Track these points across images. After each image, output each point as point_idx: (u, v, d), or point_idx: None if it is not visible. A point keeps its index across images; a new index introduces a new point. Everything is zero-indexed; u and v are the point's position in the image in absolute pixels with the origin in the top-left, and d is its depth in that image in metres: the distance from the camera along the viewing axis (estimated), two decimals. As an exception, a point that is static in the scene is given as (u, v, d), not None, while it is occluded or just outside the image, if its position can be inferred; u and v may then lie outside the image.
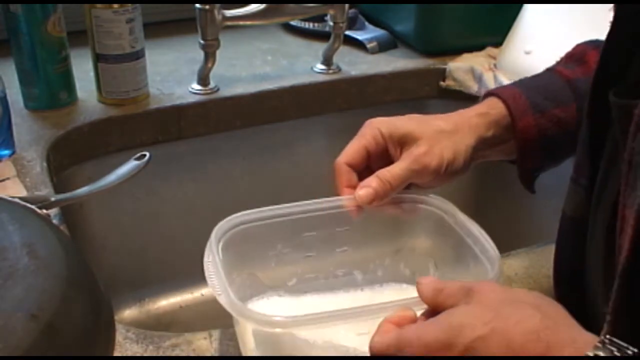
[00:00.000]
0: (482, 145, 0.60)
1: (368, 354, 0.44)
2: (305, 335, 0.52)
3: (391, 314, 0.45)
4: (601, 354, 0.37)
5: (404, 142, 0.58)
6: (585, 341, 0.38)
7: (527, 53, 0.95)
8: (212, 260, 0.52)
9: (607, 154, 0.46)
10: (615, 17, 0.46)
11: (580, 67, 0.62)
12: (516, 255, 0.69)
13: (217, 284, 0.49)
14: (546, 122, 0.59)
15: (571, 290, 0.51)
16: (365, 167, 0.59)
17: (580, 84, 0.60)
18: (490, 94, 0.63)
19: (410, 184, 0.59)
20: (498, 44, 1.03)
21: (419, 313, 0.45)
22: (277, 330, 0.48)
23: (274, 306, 0.60)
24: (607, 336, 0.38)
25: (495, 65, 1.00)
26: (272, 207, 0.58)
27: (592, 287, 0.48)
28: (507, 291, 0.43)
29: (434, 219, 0.59)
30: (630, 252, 0.39)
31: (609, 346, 0.37)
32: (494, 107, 0.61)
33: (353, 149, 0.59)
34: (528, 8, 0.99)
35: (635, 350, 0.37)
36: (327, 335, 0.52)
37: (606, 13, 0.84)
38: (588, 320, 0.41)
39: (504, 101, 0.60)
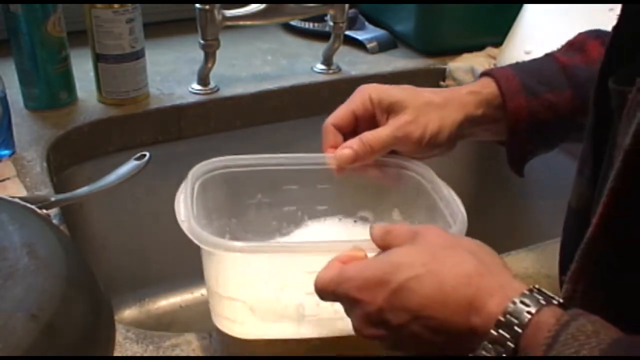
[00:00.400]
0: (470, 123, 0.61)
1: (312, 291, 0.46)
2: (257, 265, 0.52)
3: (342, 253, 0.47)
4: (527, 301, 0.39)
5: (391, 109, 0.59)
6: (514, 288, 0.40)
7: (527, 53, 0.95)
8: (184, 193, 0.54)
9: (610, 143, 0.46)
10: (624, 8, 0.46)
11: (580, 55, 0.62)
12: (516, 255, 0.68)
13: (182, 212, 0.52)
14: (538, 105, 0.59)
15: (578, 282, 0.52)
16: (352, 130, 0.60)
17: (578, 72, 0.60)
18: (484, 74, 0.63)
19: (393, 151, 0.60)
20: (498, 44, 1.03)
21: (370, 255, 0.47)
22: (228, 253, 0.50)
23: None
24: (536, 286, 0.40)
25: (495, 65, 1.00)
26: (254, 155, 0.59)
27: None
28: (450, 236, 0.45)
29: (413, 183, 0.60)
30: (598, 226, 0.40)
31: (536, 294, 0.39)
32: (486, 87, 0.61)
33: (341, 112, 0.61)
34: (528, 8, 0.99)
35: (561, 300, 0.39)
36: (277, 270, 0.53)
37: (606, 13, 0.84)
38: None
39: (497, 81, 0.61)
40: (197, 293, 1.04)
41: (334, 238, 0.61)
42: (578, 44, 0.63)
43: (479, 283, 0.40)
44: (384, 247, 0.46)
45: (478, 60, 1.03)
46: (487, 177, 1.08)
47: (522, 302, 0.39)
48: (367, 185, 0.62)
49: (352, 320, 0.45)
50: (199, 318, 1.02)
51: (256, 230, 0.62)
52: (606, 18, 0.64)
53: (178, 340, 0.56)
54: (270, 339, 0.54)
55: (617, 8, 0.47)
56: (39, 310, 0.43)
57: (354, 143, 0.58)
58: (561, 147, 0.93)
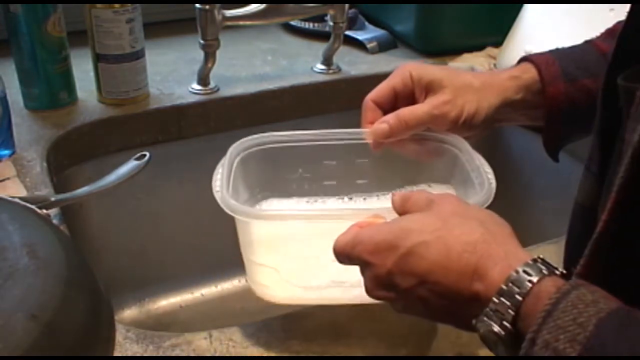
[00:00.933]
0: (509, 108, 0.61)
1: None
2: (285, 232, 0.55)
3: (363, 219, 0.48)
4: (529, 270, 0.39)
5: (430, 87, 0.60)
6: (517, 257, 0.41)
7: (527, 53, 0.95)
8: (222, 167, 0.56)
9: (618, 140, 0.46)
10: (633, 5, 0.46)
11: None
12: (516, 255, 0.68)
13: (218, 184, 0.54)
14: (576, 92, 0.60)
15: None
16: (391, 107, 0.61)
17: None
18: (524, 59, 0.63)
19: (428, 129, 0.61)
20: (498, 44, 1.03)
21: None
22: (256, 220, 0.52)
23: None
24: (540, 256, 0.40)
25: (495, 65, 1.00)
26: (292, 132, 0.61)
27: None
28: (462, 205, 0.46)
29: (450, 156, 0.61)
30: (606, 224, 0.40)
31: (539, 264, 0.40)
32: (526, 72, 0.61)
33: (381, 88, 0.61)
34: (528, 8, 0.99)
35: (564, 271, 0.40)
36: (304, 237, 0.55)
37: (606, 13, 0.84)
38: None
39: (537, 66, 0.61)
40: (197, 293, 1.04)
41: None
42: (615, 32, 0.63)
43: (484, 251, 0.41)
44: (402, 213, 0.47)
45: (478, 60, 1.03)
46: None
47: (525, 272, 0.39)
48: (405, 159, 0.63)
49: (365, 282, 0.46)
50: (199, 318, 1.02)
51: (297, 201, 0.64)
52: (606, 18, 0.64)
53: (178, 340, 0.56)
54: (299, 304, 0.56)
55: (618, 8, 0.47)
56: (39, 310, 0.43)
57: (390, 118, 0.59)
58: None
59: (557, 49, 0.64)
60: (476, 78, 0.61)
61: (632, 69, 0.44)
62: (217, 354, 0.55)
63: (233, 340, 0.56)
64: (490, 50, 1.06)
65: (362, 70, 1.03)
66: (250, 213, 0.52)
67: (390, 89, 0.61)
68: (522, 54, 0.95)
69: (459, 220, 0.43)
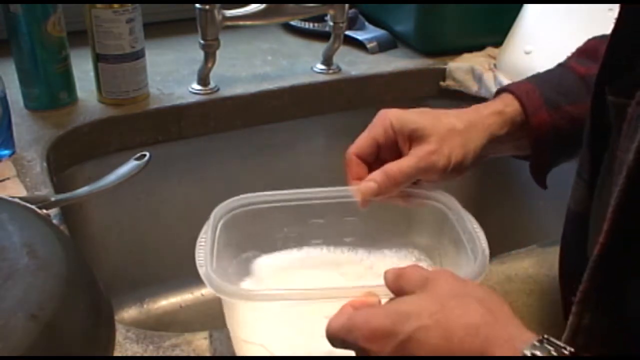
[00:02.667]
0: (495, 144, 0.60)
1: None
2: (273, 311, 0.53)
3: (355, 298, 0.46)
4: (538, 353, 0.38)
5: (414, 137, 0.58)
6: (523, 339, 0.39)
7: (527, 53, 0.95)
8: (205, 237, 0.54)
9: (608, 151, 0.46)
10: (620, 16, 0.45)
11: (594, 63, 0.61)
12: (516, 255, 0.69)
13: (202, 256, 0.52)
14: (560, 119, 0.59)
15: (575, 284, 0.51)
16: (375, 158, 0.60)
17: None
18: (504, 89, 0.62)
19: (417, 180, 0.59)
20: (498, 44, 1.03)
21: (384, 301, 0.46)
22: (241, 301, 0.50)
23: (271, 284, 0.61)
24: (545, 335, 0.39)
25: (495, 66, 1.00)
26: (279, 191, 0.59)
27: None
28: (458, 283, 0.44)
29: (439, 215, 0.60)
30: (604, 245, 0.40)
31: (546, 345, 0.38)
32: (509, 105, 0.61)
33: (363, 140, 0.59)
34: (528, 8, 0.99)
35: (572, 349, 0.38)
36: (294, 315, 0.53)
37: (606, 13, 0.84)
38: None
39: (518, 97, 0.60)
40: (197, 293, 1.04)
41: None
42: (590, 51, 0.63)
43: (487, 334, 0.39)
44: (396, 291, 0.45)
45: (478, 60, 1.03)
46: (487, 177, 1.08)
47: (533, 355, 0.38)
48: (393, 216, 0.62)
49: None
50: (199, 318, 1.02)
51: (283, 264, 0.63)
52: (606, 18, 0.64)
53: (178, 340, 0.56)
54: None
55: (617, 8, 0.46)
56: (39, 310, 0.43)
57: (377, 176, 0.57)
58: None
59: (535, 75, 0.63)
60: (459, 119, 0.59)
61: (620, 82, 0.43)
62: (217, 354, 0.55)
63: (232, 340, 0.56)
64: (490, 50, 1.06)
65: (362, 70, 1.03)
66: (237, 293, 0.50)
67: (372, 141, 0.59)
68: (522, 54, 0.96)
69: (457, 301, 0.41)
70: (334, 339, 0.44)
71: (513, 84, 0.63)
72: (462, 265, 0.56)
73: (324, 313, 0.48)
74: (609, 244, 0.40)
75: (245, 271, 0.61)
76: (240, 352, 0.54)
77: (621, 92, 0.42)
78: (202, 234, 0.55)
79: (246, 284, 0.60)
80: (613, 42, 0.46)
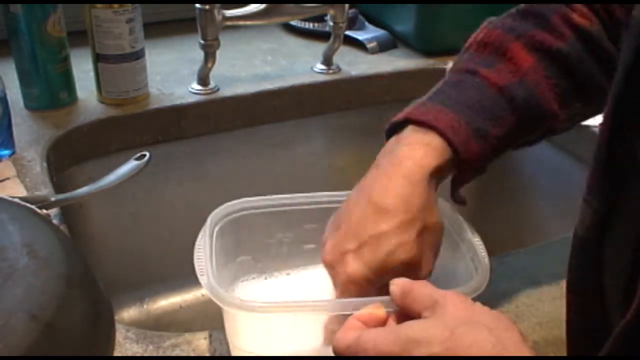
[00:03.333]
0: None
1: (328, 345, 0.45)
2: (274, 321, 0.52)
3: (361, 311, 0.46)
4: None
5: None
6: None
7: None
8: (203, 243, 0.54)
9: (626, 186, 0.43)
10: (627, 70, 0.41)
11: (505, 65, 0.55)
12: (516, 255, 0.69)
13: (202, 265, 0.52)
14: (488, 146, 0.55)
15: (586, 310, 0.49)
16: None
17: (514, 92, 0.54)
18: (425, 124, 0.53)
19: None
20: (498, 44, 1.03)
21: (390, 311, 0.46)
22: (243, 312, 0.50)
23: (264, 288, 0.61)
24: None
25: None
26: (273, 196, 0.59)
27: (609, 309, 0.46)
28: (468, 308, 0.43)
29: None
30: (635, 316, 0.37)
31: None
32: (440, 154, 0.53)
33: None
34: (528, 8, 0.99)
35: None
36: (298, 324, 0.53)
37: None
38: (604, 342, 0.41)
39: (443, 134, 0.53)
40: (197, 293, 1.04)
41: None
42: (496, 47, 0.56)
43: None
44: (402, 307, 0.45)
45: (478, 60, 1.03)
46: (487, 177, 1.07)
47: None
48: None
49: None
50: (199, 318, 1.02)
51: (278, 268, 0.63)
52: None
53: (178, 340, 0.56)
54: None
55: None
56: (39, 310, 0.43)
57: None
58: (562, 147, 0.93)
59: (449, 98, 0.55)
60: (409, 226, 0.52)
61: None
62: (217, 354, 0.55)
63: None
64: (490, 50, 1.06)
65: (362, 70, 1.03)
66: (240, 305, 0.49)
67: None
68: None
69: (467, 329, 0.41)
70: (341, 355, 0.44)
71: (431, 117, 0.53)
72: (460, 273, 0.56)
73: (323, 324, 0.49)
74: None
75: (240, 275, 0.61)
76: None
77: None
78: (199, 240, 0.55)
79: (243, 289, 0.60)
80: (619, 97, 0.42)
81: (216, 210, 0.58)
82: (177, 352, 0.55)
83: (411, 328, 0.42)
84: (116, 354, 0.53)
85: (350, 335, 0.43)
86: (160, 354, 0.54)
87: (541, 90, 0.53)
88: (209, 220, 0.57)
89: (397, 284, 0.45)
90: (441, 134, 0.52)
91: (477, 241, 0.55)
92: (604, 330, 0.43)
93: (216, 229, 0.57)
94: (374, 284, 0.52)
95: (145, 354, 0.54)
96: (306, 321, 0.52)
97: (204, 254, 0.53)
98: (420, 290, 0.44)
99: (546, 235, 0.70)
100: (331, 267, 0.52)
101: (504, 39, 0.56)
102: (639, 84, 0.41)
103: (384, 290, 0.48)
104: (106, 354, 0.50)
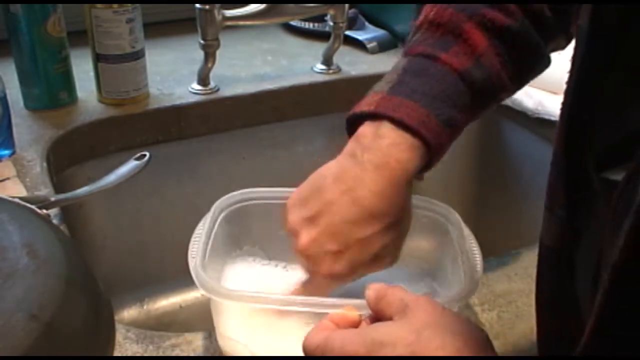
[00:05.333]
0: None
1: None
2: (255, 312, 0.53)
3: (336, 312, 0.46)
4: None
5: None
6: None
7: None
8: (202, 228, 0.55)
9: (587, 197, 0.42)
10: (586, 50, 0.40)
11: (460, 47, 0.55)
12: (516, 255, 0.69)
13: (194, 250, 0.53)
14: (456, 133, 0.55)
15: (555, 319, 0.49)
16: None
17: (473, 75, 0.54)
18: (396, 121, 0.53)
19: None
20: (498, 44, 1.03)
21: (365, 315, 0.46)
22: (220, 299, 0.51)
23: (263, 275, 0.62)
24: None
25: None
26: (280, 188, 0.60)
27: (581, 319, 0.44)
28: (437, 313, 0.43)
29: (440, 229, 0.60)
30: (597, 317, 0.36)
31: None
32: (420, 154, 0.53)
33: None
34: (528, 8, 0.99)
35: None
36: (278, 318, 0.53)
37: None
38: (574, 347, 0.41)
39: (416, 132, 0.52)
40: (197, 293, 1.04)
41: None
42: (450, 27, 0.55)
43: None
44: (376, 311, 0.45)
45: (478, 60, 1.03)
46: (487, 177, 1.08)
47: None
48: None
49: None
50: (199, 318, 1.02)
51: (282, 258, 0.63)
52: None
53: (178, 340, 0.56)
54: None
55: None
56: (39, 310, 0.43)
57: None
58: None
59: (415, 91, 0.54)
60: (388, 217, 0.53)
61: (602, 152, 0.39)
62: (217, 354, 0.55)
63: (232, 340, 0.56)
64: (490, 50, 1.06)
65: (362, 70, 1.03)
66: (221, 292, 0.50)
67: None
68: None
69: (432, 333, 0.41)
70: (309, 354, 0.44)
71: (402, 110, 0.53)
72: (454, 283, 0.56)
73: (302, 319, 0.50)
74: (600, 323, 0.35)
75: (241, 265, 0.61)
76: (225, 348, 0.55)
77: (606, 162, 0.38)
78: (199, 226, 0.55)
79: (239, 277, 0.60)
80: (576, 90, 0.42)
81: (222, 198, 0.58)
82: (177, 352, 0.55)
83: (377, 330, 0.43)
84: (116, 354, 0.53)
85: (320, 336, 0.44)
86: (160, 354, 0.54)
87: (495, 69, 0.55)
88: (213, 207, 0.57)
89: (373, 289, 0.45)
90: (417, 132, 0.52)
91: (475, 252, 0.56)
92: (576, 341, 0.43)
93: (221, 216, 0.57)
94: (350, 279, 0.53)
95: (145, 354, 0.54)
96: (285, 314, 0.53)
97: (199, 239, 0.54)
98: (394, 294, 0.45)
99: (546, 235, 0.70)
100: (308, 259, 0.53)
101: (457, 19, 0.55)
102: (588, 100, 0.41)
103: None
104: (106, 354, 0.50)
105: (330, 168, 0.55)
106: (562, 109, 0.43)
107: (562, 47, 0.61)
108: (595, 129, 0.40)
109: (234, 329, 0.54)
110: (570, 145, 0.43)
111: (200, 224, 0.56)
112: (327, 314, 0.46)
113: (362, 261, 0.52)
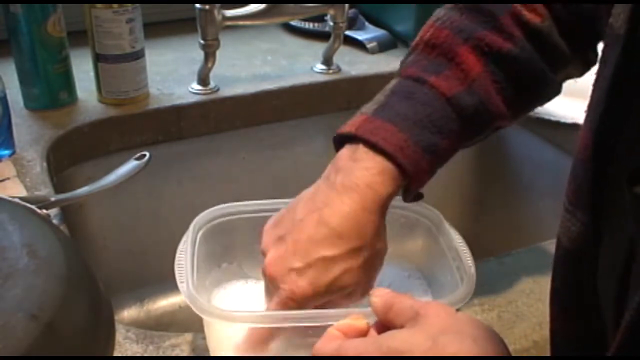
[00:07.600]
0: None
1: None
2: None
3: (342, 321, 0.45)
4: None
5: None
6: None
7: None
8: (185, 249, 0.54)
9: (613, 202, 0.41)
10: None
11: (453, 71, 0.53)
12: (516, 255, 0.69)
13: (182, 273, 0.52)
14: (438, 159, 0.54)
15: (572, 319, 0.47)
16: None
17: (463, 102, 0.52)
18: (372, 145, 0.51)
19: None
20: (498, 44, 1.03)
21: (371, 322, 0.45)
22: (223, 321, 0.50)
23: (247, 293, 0.61)
24: None
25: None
26: (259, 201, 0.59)
27: (602, 320, 0.44)
28: (451, 318, 0.42)
29: (425, 230, 0.60)
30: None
31: None
32: (394, 179, 0.52)
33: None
34: (528, 8, 0.99)
35: None
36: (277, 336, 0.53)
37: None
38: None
39: (393, 160, 0.51)
40: (197, 293, 1.04)
41: None
42: (444, 50, 0.54)
43: None
44: (385, 322, 0.44)
45: (478, 60, 1.03)
46: (487, 177, 1.08)
47: None
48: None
49: None
50: (199, 318, 1.02)
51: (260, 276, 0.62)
52: (606, 18, 0.63)
53: (178, 340, 0.56)
54: None
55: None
56: (39, 310, 0.43)
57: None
58: (562, 147, 0.93)
59: (398, 114, 0.53)
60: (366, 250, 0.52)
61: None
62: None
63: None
64: (490, 50, 1.06)
65: (362, 70, 1.03)
66: (219, 314, 0.50)
67: None
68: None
69: (450, 338, 0.40)
70: None
71: (379, 134, 0.51)
72: (447, 282, 0.55)
73: (303, 333, 0.49)
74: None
75: (223, 281, 0.61)
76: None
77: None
78: (181, 246, 0.55)
79: (225, 295, 0.60)
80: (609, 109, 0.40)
81: (200, 215, 0.57)
82: (177, 352, 0.55)
83: (393, 338, 0.41)
84: (116, 354, 0.53)
85: (330, 346, 0.43)
86: (160, 354, 0.54)
87: (489, 95, 0.53)
88: (192, 225, 0.56)
89: (379, 296, 0.44)
90: (392, 157, 0.51)
91: (463, 250, 0.55)
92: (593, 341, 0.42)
93: (199, 234, 0.56)
94: (314, 303, 0.51)
95: (145, 354, 0.54)
96: (285, 333, 0.52)
97: (184, 261, 0.53)
98: (402, 302, 0.44)
99: (546, 235, 0.70)
100: (273, 280, 0.51)
101: (453, 42, 0.54)
102: (621, 101, 0.39)
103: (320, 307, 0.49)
104: (106, 354, 0.50)
105: (307, 190, 0.55)
106: (588, 114, 0.41)
107: (578, 75, 0.57)
108: (630, 138, 0.38)
109: (230, 348, 0.53)
110: (599, 154, 0.41)
111: (182, 243, 0.55)
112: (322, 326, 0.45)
113: (325, 284, 0.51)
